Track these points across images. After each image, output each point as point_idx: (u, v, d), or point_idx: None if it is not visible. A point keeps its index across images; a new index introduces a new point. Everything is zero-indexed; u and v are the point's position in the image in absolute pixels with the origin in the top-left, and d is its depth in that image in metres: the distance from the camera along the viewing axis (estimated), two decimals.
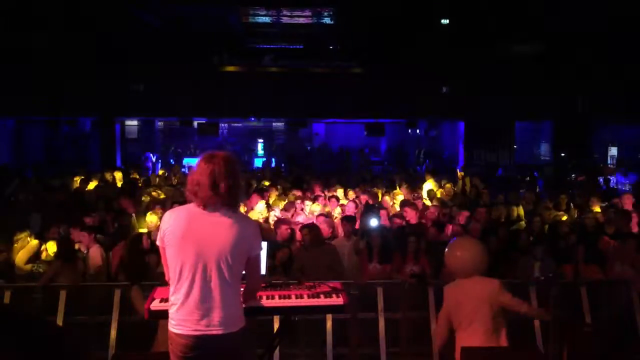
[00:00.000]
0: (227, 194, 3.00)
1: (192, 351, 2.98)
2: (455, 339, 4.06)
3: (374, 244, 6.65)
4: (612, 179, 14.34)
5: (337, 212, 8.73)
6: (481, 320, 3.93)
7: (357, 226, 7.67)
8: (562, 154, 19.03)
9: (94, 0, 14.58)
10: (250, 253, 3.07)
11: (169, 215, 3.13)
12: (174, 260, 3.01)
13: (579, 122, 17.87)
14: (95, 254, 6.50)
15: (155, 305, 3.57)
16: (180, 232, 2.99)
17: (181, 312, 2.99)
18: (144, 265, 6.24)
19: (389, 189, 11.21)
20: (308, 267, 6.20)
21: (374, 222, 6.88)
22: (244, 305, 3.19)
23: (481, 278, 4.03)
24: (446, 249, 4.18)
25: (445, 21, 16.60)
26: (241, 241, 3.00)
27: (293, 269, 6.29)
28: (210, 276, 2.96)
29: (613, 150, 18.70)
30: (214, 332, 2.97)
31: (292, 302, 3.71)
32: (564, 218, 8.65)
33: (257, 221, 6.20)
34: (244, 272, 3.14)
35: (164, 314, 3.48)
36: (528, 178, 15.07)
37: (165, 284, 3.49)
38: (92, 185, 11.37)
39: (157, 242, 3.12)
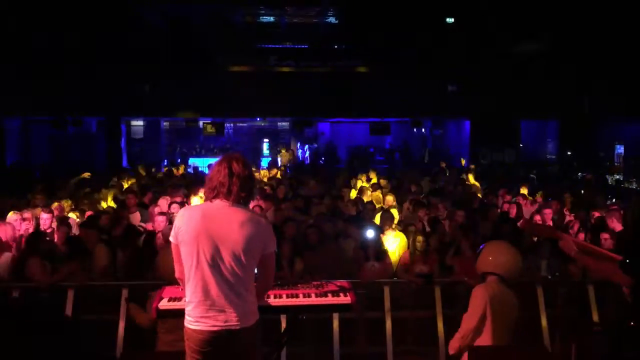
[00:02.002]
0: (242, 193, 3.08)
1: (210, 346, 3.04)
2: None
3: (369, 242, 6.65)
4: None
5: None
6: (510, 328, 3.96)
7: None
8: (568, 152, 18.98)
9: (99, 0, 14.63)
10: (264, 251, 3.11)
11: (183, 212, 3.18)
12: (189, 258, 3.05)
13: (585, 120, 17.82)
14: (100, 253, 6.52)
15: (164, 304, 3.59)
16: (194, 229, 3.03)
17: (198, 309, 3.04)
18: (144, 266, 6.26)
19: (397, 188, 11.19)
20: (315, 267, 6.21)
21: (370, 234, 6.83)
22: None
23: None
24: (478, 253, 4.16)
25: (450, 20, 16.58)
26: (254, 239, 3.04)
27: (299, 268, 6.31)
28: (225, 273, 3.01)
29: (619, 149, 18.63)
30: (231, 327, 3.02)
31: (300, 300, 3.72)
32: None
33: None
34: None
35: (172, 313, 3.51)
36: (533, 175, 15.06)
37: (174, 283, 3.51)
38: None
39: (171, 239, 3.15)
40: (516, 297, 4.02)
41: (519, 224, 4.28)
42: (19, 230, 7.06)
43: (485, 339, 3.92)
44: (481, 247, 4.20)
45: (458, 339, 3.98)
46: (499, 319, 3.90)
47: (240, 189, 3.06)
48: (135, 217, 8.28)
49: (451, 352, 4.07)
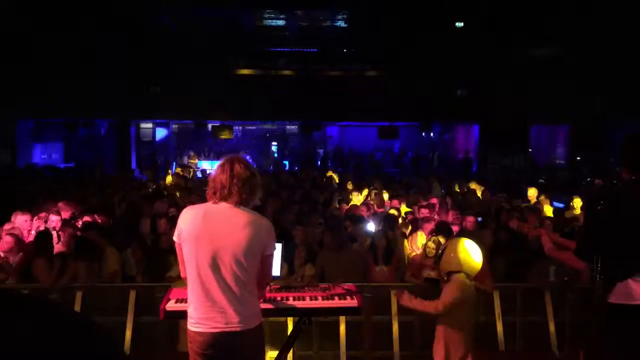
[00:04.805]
0: (244, 195, 3.07)
1: (211, 348, 3.02)
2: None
3: (378, 245, 6.65)
4: None
5: None
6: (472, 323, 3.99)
7: None
8: (578, 158, 18.88)
9: (110, 3, 14.74)
10: (264, 252, 3.11)
11: (186, 213, 3.17)
12: (191, 258, 3.05)
13: (596, 125, 17.73)
14: (111, 256, 6.52)
15: (171, 305, 3.60)
16: (196, 230, 3.03)
17: (199, 310, 3.03)
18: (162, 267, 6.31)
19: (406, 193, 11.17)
20: (329, 270, 6.21)
21: (371, 227, 6.87)
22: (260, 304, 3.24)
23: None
24: (442, 252, 4.15)
25: (459, 24, 16.57)
26: (256, 241, 3.04)
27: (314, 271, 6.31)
28: (226, 274, 2.99)
29: None
30: (232, 329, 3.00)
31: (307, 303, 3.72)
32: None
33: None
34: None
35: (179, 314, 3.51)
36: (541, 181, 14.97)
37: (181, 284, 3.53)
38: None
39: (174, 239, 3.16)
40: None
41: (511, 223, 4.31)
42: (29, 231, 7.11)
43: (454, 332, 3.98)
44: (453, 245, 4.20)
45: (425, 306, 4.10)
46: (468, 314, 4.00)
47: (241, 190, 3.06)
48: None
49: (403, 302, 4.25)
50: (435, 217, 8.27)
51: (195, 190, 10.87)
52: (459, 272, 4.01)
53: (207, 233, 3.01)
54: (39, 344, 0.85)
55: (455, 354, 4.00)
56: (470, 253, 4.04)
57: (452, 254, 4.06)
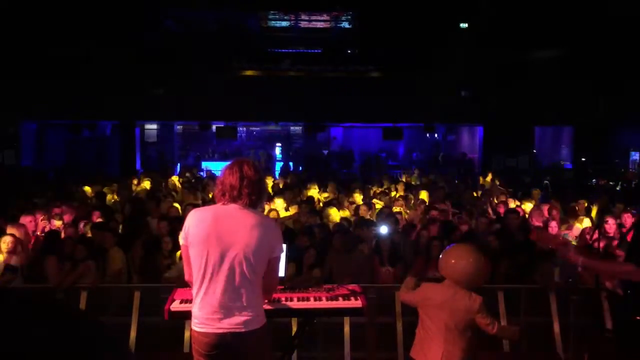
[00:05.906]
0: (252, 196, 3.10)
1: (215, 349, 3.02)
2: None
3: (383, 247, 6.64)
4: None
5: None
6: (458, 332, 3.72)
7: None
8: (583, 159, 18.83)
9: (113, 5, 14.77)
10: (272, 254, 3.12)
11: (193, 214, 3.18)
12: (198, 259, 3.05)
13: (600, 126, 17.68)
14: (115, 255, 6.55)
15: (176, 306, 3.61)
16: (205, 231, 3.04)
17: (204, 311, 3.03)
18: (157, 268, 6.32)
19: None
20: (337, 272, 6.21)
21: (384, 229, 6.88)
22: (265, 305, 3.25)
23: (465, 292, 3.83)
24: (441, 255, 3.99)
25: (464, 25, 16.55)
26: (264, 242, 3.05)
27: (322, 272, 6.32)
28: (233, 275, 3.00)
29: (634, 155, 18.45)
30: (237, 330, 3.00)
31: (311, 304, 3.72)
32: (577, 224, 8.53)
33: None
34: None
35: (184, 315, 3.52)
36: (546, 182, 14.92)
37: (184, 285, 3.53)
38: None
39: (181, 240, 3.16)
40: (474, 303, 3.68)
41: (532, 236, 4.08)
42: (33, 232, 7.14)
43: (422, 329, 3.80)
44: (447, 247, 4.04)
45: (405, 292, 4.00)
46: (435, 318, 3.72)
47: (250, 192, 3.08)
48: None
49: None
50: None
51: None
52: (448, 277, 3.84)
53: (216, 234, 3.02)
54: (49, 343, 0.86)
55: (427, 348, 3.82)
56: (461, 260, 3.81)
57: (444, 258, 3.90)
